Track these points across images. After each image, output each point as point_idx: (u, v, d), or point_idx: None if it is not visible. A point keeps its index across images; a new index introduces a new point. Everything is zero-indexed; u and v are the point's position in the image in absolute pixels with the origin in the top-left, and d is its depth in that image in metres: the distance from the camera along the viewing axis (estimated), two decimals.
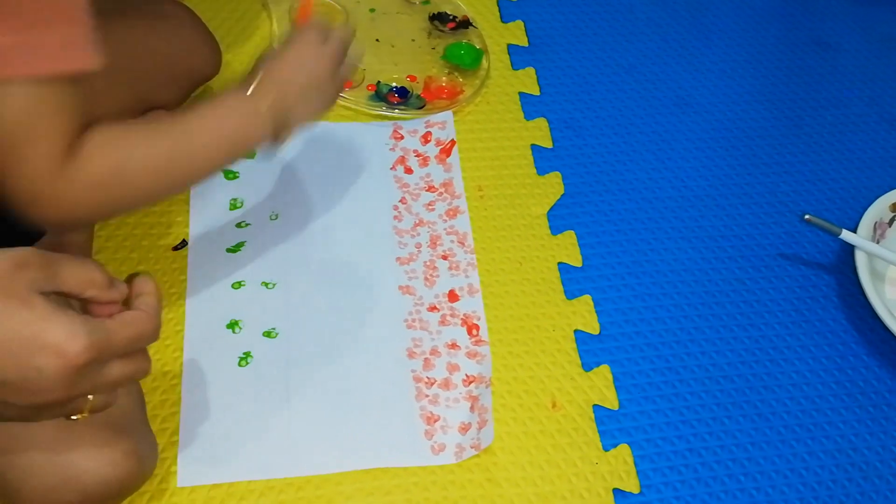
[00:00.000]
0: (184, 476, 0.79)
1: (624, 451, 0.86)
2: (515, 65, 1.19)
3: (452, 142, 1.07)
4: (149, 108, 0.96)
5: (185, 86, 1.01)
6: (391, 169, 1.05)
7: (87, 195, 0.65)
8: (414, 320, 0.92)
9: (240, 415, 0.84)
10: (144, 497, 0.78)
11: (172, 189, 0.75)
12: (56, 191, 0.63)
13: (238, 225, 0.97)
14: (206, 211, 0.97)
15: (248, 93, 0.74)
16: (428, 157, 1.06)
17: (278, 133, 0.76)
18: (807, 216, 0.98)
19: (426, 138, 1.08)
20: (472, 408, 0.86)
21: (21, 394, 0.51)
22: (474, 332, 0.92)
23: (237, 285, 0.92)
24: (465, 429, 0.85)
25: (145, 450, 0.73)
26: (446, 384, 0.88)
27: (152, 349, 0.84)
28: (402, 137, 1.08)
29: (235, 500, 0.79)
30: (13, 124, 0.59)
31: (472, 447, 0.84)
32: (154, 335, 0.59)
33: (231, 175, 1.00)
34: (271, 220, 0.97)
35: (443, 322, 0.92)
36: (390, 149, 1.06)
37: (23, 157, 0.60)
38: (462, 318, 0.93)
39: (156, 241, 0.94)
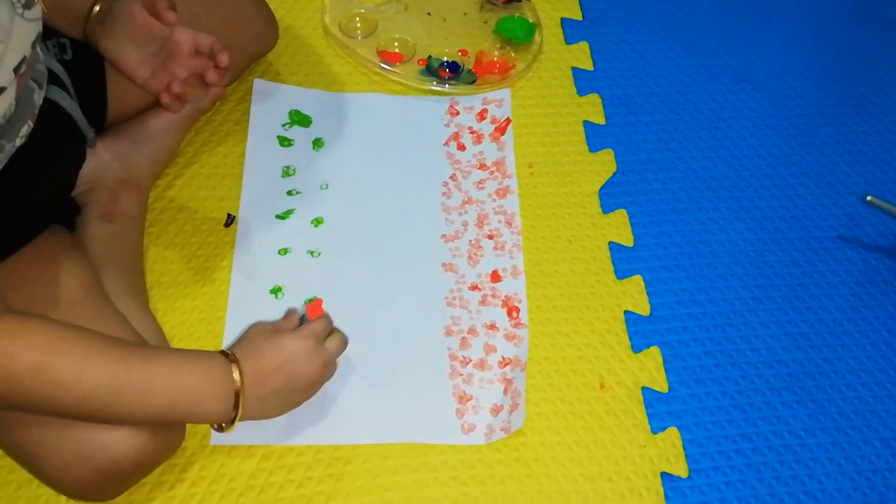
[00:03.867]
0: (217, 435, 0.80)
1: (673, 435, 0.85)
2: (569, 39, 1.17)
3: (508, 120, 1.06)
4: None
5: (242, 60, 1.01)
6: (444, 145, 1.04)
7: None
8: (454, 298, 0.92)
9: None
10: (186, 453, 0.79)
11: (83, 417, 0.68)
12: None
13: (289, 192, 0.97)
14: (259, 176, 0.98)
15: (230, 363, 0.71)
16: (482, 134, 1.05)
17: (234, 419, 0.72)
18: (868, 197, 0.96)
19: (482, 115, 1.06)
20: (505, 390, 0.86)
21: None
22: (514, 314, 0.91)
23: (283, 252, 0.93)
24: (496, 411, 0.85)
25: (160, 428, 0.73)
26: (481, 364, 0.88)
27: (197, 308, 0.88)
28: (457, 113, 1.07)
29: (275, 458, 0.80)
30: None
31: (501, 429, 0.83)
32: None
33: (286, 142, 1.01)
34: (321, 189, 0.98)
35: (483, 302, 0.92)
36: (445, 124, 1.06)
37: None
38: (503, 300, 0.92)
39: (208, 213, 0.95)
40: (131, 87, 0.83)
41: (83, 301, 0.75)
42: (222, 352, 0.73)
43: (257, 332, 0.77)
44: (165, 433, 0.73)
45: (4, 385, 0.62)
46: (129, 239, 0.88)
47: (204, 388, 0.69)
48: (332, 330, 0.81)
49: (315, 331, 0.78)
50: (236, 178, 0.97)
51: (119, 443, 0.69)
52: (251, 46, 1.01)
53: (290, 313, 0.82)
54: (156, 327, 0.83)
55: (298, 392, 0.77)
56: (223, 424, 0.73)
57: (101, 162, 0.88)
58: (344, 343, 0.80)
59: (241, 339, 0.77)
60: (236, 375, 0.71)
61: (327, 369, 0.78)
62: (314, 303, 0.81)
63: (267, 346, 0.74)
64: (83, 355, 0.65)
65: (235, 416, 0.71)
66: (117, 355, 0.66)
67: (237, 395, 0.70)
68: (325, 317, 0.81)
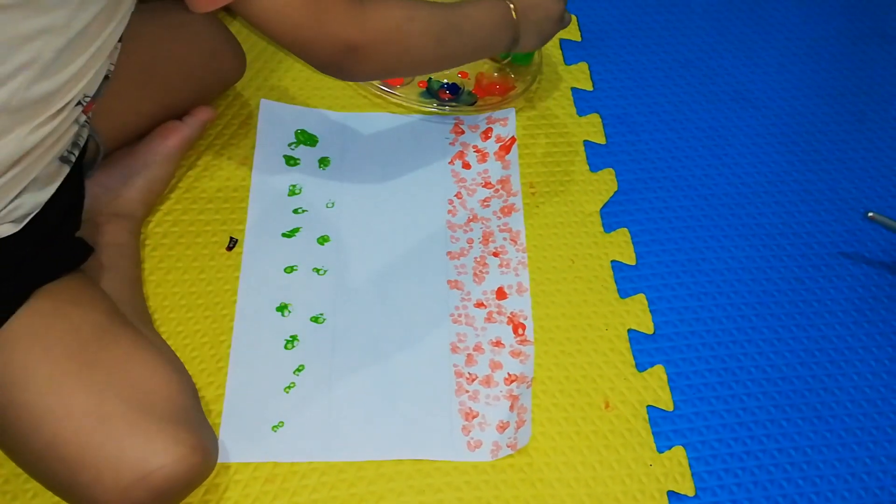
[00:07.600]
0: (223, 452, 0.80)
1: (679, 453, 0.85)
2: (568, 60, 1.18)
3: (513, 139, 1.06)
4: (175, 114, 0.96)
5: (211, 91, 1.02)
6: (449, 163, 1.05)
7: (376, 48, 0.79)
8: (460, 315, 0.92)
9: (282, 397, 0.85)
10: None
11: (439, 61, 0.90)
12: (355, 38, 0.77)
13: (295, 211, 0.98)
14: (266, 195, 0.98)
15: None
16: (487, 153, 1.06)
17: (513, 46, 0.95)
18: (870, 213, 0.96)
19: (486, 134, 1.07)
20: (511, 407, 0.86)
21: None
22: (520, 331, 0.91)
23: (289, 270, 0.93)
24: (503, 427, 0.85)
25: (208, 443, 0.74)
26: (487, 381, 0.88)
27: (199, 332, 0.87)
28: (462, 132, 1.07)
29: (279, 480, 0.80)
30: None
31: (508, 446, 0.83)
32: None
33: (292, 161, 1.02)
34: (327, 207, 0.98)
35: (489, 319, 0.92)
36: (450, 143, 1.06)
37: (325, 19, 0.76)
38: (508, 317, 0.92)
39: (210, 237, 0.95)
40: (119, 119, 0.83)
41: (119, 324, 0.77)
42: None
43: None
44: (212, 448, 0.74)
45: (394, 36, 0.82)
46: (122, 269, 0.86)
47: (502, 19, 0.92)
48: None
49: None
50: (239, 202, 0.98)
51: (173, 462, 0.70)
52: (220, 77, 1.01)
53: None
54: (170, 351, 0.83)
55: (549, 23, 0.98)
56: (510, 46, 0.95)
57: (92, 197, 0.86)
58: None
59: None
60: (513, 9, 0.92)
61: (564, 11, 0.99)
62: None
63: None
64: (433, 11, 0.85)
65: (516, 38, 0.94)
66: (453, 9, 0.87)
67: (515, 26, 0.92)
68: None
